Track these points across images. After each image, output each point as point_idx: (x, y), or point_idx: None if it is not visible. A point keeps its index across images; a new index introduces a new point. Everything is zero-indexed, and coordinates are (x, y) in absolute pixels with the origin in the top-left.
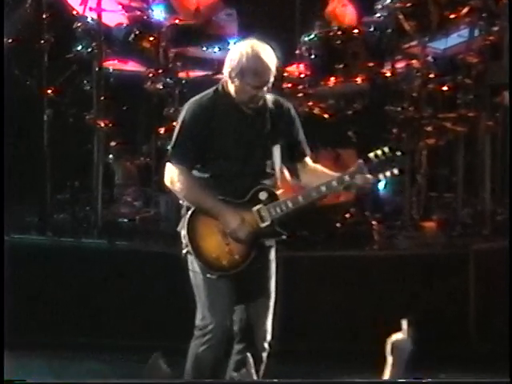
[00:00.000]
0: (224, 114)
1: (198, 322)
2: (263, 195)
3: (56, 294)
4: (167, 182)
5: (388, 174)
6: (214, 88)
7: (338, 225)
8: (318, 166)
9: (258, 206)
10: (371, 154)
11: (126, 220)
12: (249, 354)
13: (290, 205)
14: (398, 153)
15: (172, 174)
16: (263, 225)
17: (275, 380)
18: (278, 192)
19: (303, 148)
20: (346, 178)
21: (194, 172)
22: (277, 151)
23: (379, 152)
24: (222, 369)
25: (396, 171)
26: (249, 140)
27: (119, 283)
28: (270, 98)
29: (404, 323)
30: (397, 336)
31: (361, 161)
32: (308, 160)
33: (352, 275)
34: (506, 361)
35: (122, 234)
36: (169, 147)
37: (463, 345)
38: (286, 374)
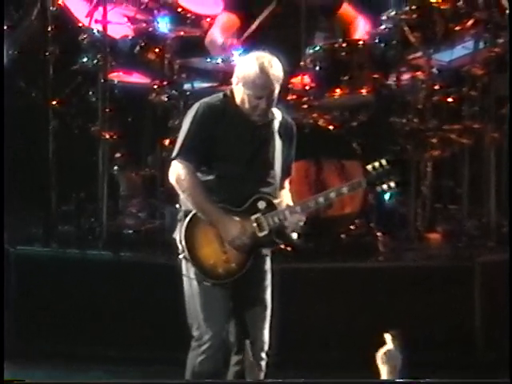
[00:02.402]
0: (231, 120)
1: (193, 332)
2: (262, 204)
3: (60, 305)
4: (172, 179)
5: (385, 186)
6: (224, 93)
7: (342, 236)
8: (287, 191)
9: (256, 215)
10: (369, 166)
11: (130, 231)
12: (247, 342)
13: (287, 215)
14: (395, 164)
15: (179, 171)
16: (261, 234)
17: (275, 380)
18: (276, 201)
19: (290, 168)
20: (344, 189)
21: (198, 174)
22: (278, 162)
23: (377, 164)
24: (221, 379)
25: (393, 184)
26: (253, 148)
27: (124, 294)
28: (277, 111)
29: (388, 336)
30: (385, 348)
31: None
32: (287, 182)
33: (357, 286)
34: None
35: (126, 245)
36: (177, 145)
37: (468, 356)
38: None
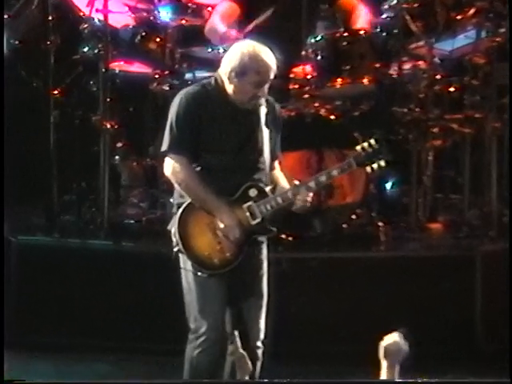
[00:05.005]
0: (217, 109)
1: (190, 325)
2: (253, 192)
3: (62, 295)
4: (168, 172)
5: (375, 166)
6: (203, 83)
7: (344, 226)
8: (279, 170)
9: (248, 204)
10: (358, 147)
11: (132, 221)
12: (236, 333)
13: (279, 201)
14: (384, 144)
15: (174, 165)
16: (254, 222)
17: (275, 380)
18: (268, 188)
19: (278, 150)
20: (335, 172)
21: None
22: (267, 147)
23: (366, 144)
24: (219, 370)
25: (383, 163)
26: (242, 135)
27: (125, 284)
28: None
29: (396, 332)
30: (389, 339)
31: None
32: (276, 163)
33: (358, 276)
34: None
35: (128, 235)
36: (165, 141)
37: (469, 347)
38: (293, 376)
